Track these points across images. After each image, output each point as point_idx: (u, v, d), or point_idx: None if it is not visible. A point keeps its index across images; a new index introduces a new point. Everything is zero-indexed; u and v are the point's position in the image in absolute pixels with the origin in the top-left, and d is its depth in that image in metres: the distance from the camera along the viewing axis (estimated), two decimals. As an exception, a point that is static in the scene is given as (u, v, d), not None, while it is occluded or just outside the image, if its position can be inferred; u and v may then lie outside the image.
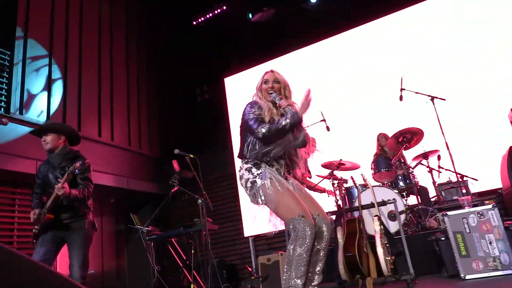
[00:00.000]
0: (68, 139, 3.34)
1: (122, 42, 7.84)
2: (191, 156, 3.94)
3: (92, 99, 6.93)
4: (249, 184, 2.24)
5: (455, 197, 4.39)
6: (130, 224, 5.14)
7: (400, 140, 4.63)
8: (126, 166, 7.23)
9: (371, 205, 3.47)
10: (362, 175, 3.69)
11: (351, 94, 6.51)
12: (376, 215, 3.27)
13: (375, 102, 6.17)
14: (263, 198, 2.18)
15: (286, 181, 2.26)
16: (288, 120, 2.17)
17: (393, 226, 4.25)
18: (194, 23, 7.92)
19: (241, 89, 7.80)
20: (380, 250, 3.02)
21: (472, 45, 5.76)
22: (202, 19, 7.89)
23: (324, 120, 5.17)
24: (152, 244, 4.88)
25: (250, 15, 7.13)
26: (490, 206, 2.99)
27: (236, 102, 7.79)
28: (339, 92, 6.60)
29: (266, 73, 2.46)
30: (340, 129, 6.02)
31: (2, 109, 5.34)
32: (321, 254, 2.23)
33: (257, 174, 2.22)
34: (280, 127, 2.18)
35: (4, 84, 5.47)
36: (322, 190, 4.85)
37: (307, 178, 4.80)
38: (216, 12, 7.71)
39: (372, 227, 3.30)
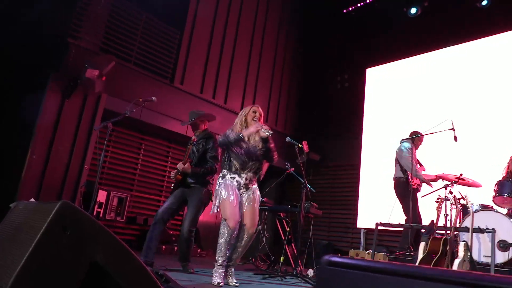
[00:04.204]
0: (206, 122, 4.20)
1: (275, 24, 8.49)
2: (299, 145, 4.30)
3: (239, 74, 7.79)
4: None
5: None
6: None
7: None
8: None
9: (465, 229, 3.33)
10: (465, 196, 3.53)
11: (488, 103, 5.85)
12: (464, 241, 3.16)
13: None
14: (216, 201, 3.20)
15: (237, 191, 3.20)
16: (231, 136, 3.19)
17: (500, 257, 3.92)
18: (345, 11, 8.00)
19: (382, 82, 7.66)
20: (454, 276, 2.95)
21: None
22: (353, 7, 7.91)
23: (453, 129, 4.87)
24: (264, 214, 5.51)
25: (414, 10, 6.91)
26: None
27: (374, 94, 7.71)
28: (474, 100, 6.00)
29: (252, 106, 3.46)
30: (466, 141, 5.56)
31: (168, 79, 6.55)
32: (238, 249, 3.22)
33: (218, 182, 3.26)
34: (228, 137, 3.19)
35: (172, 59, 6.67)
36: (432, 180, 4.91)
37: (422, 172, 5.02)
38: (368, 1, 7.63)
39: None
